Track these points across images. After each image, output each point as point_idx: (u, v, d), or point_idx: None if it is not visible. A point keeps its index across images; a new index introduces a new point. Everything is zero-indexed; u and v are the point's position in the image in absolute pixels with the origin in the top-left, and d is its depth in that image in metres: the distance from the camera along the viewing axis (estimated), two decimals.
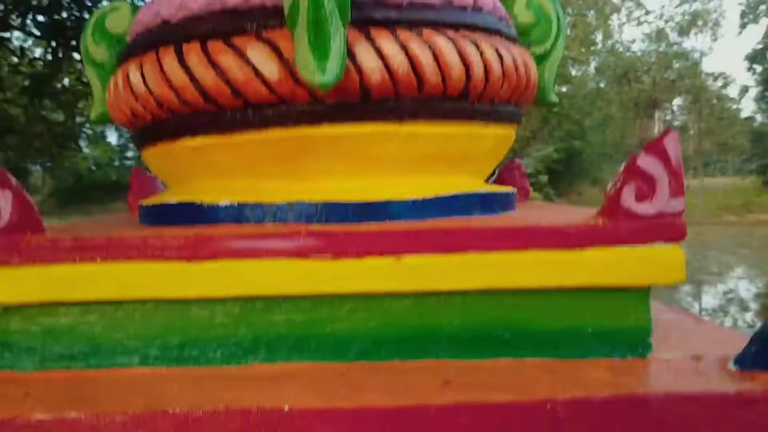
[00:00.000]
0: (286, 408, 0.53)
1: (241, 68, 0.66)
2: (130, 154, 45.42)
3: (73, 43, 6.34)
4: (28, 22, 6.49)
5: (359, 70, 0.66)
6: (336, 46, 0.62)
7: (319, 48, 0.62)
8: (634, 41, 32.42)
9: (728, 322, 11.87)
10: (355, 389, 0.57)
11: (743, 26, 28.85)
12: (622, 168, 0.65)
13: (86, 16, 6.12)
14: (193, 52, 0.67)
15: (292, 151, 0.70)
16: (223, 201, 0.71)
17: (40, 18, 6.31)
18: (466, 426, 0.54)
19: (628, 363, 0.63)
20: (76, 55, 6.43)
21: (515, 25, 0.86)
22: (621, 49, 31.10)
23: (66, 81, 7.02)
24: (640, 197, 0.62)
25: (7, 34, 6.39)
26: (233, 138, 0.70)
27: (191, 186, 0.75)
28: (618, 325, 0.65)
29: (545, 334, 0.64)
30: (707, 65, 35.13)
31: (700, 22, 28.26)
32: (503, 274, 0.63)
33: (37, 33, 6.64)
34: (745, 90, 32.31)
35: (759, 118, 30.19)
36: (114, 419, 0.53)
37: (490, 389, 0.57)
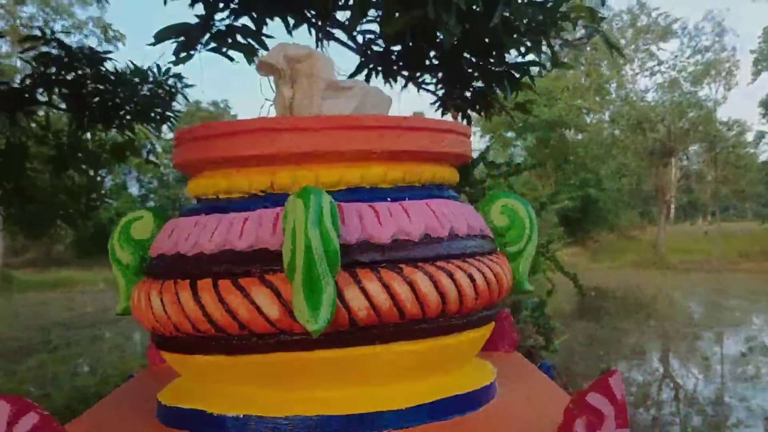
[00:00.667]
0: None
1: (247, 308, 0.77)
2: (150, 204, 46.02)
3: (96, 115, 6.59)
4: (54, 96, 6.77)
5: (348, 307, 0.77)
6: (327, 297, 0.73)
7: (312, 300, 0.72)
8: (647, 91, 32.67)
9: (751, 369, 11.64)
10: None
11: (756, 74, 29.03)
12: (571, 403, 0.74)
13: (109, 87, 6.39)
14: (205, 290, 0.79)
15: (289, 370, 0.81)
16: (231, 413, 0.81)
17: (65, 91, 6.57)
18: None
19: None
20: (99, 126, 6.67)
21: (492, 228, 0.97)
22: (635, 99, 31.28)
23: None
24: (590, 429, 0.72)
25: (33, 108, 6.66)
26: (239, 359, 0.80)
27: (203, 391, 0.86)
28: None
29: None
30: (722, 113, 35.19)
31: (713, 72, 28.49)
32: None
33: (62, 106, 6.92)
34: (761, 136, 32.25)
35: None
36: None
37: None
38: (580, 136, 34.20)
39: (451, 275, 0.82)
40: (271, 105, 1.07)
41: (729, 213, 43.93)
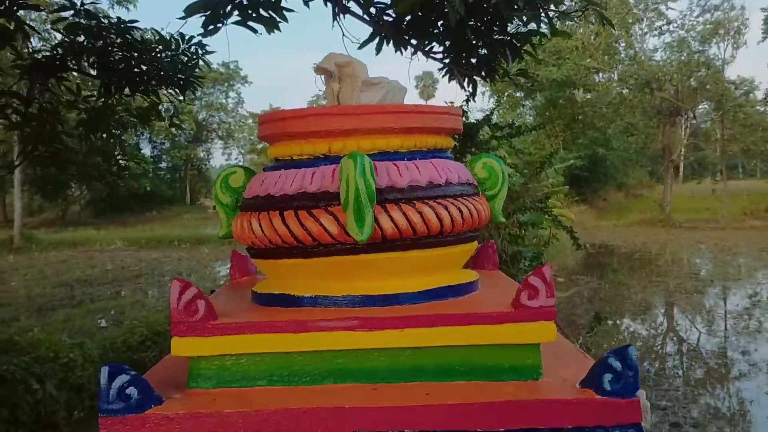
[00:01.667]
0: (346, 406, 1.10)
1: (317, 228, 1.23)
2: (163, 165, 45.85)
3: (123, 82, 7.02)
4: (84, 63, 7.21)
5: (380, 227, 1.23)
6: (368, 220, 1.19)
7: (359, 221, 1.19)
8: (656, 50, 32.50)
9: (753, 324, 12.04)
10: (382, 397, 1.14)
11: (767, 32, 28.84)
12: (522, 283, 1.20)
13: (135, 55, 6.82)
14: (290, 217, 1.25)
15: (343, 267, 1.27)
16: (306, 294, 1.28)
17: (94, 58, 7.01)
18: (437, 414, 1.10)
19: (527, 383, 1.19)
20: (126, 91, 7.11)
21: (476, 178, 1.42)
22: (643, 58, 31.15)
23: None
24: (531, 298, 1.18)
25: (63, 74, 7.10)
26: (311, 261, 1.27)
27: (286, 283, 1.33)
28: (523, 363, 1.20)
29: (483, 367, 1.20)
30: (730, 72, 35.02)
31: (721, 31, 28.35)
32: (457, 337, 1.19)
33: (92, 72, 7.36)
34: None
35: None
36: (257, 412, 1.10)
37: (449, 397, 1.13)
38: (589, 96, 34.25)
39: (446, 208, 1.28)
40: (320, 95, 1.51)
41: (737, 172, 44.07)
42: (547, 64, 31.58)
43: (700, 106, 34.74)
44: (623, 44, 34.11)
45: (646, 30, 32.00)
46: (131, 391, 1.08)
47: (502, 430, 1.09)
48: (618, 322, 12.99)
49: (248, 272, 1.70)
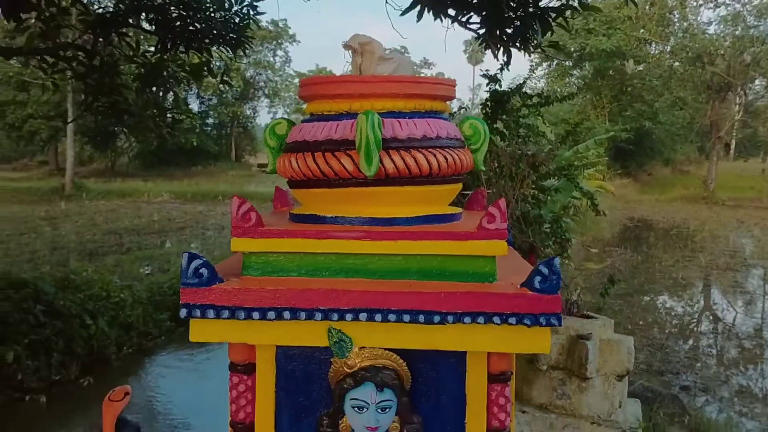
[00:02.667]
0: (352, 289, 1.57)
1: (338, 165, 1.69)
2: (210, 121, 46.41)
3: (179, 39, 7.56)
4: (143, 20, 7.76)
5: (384, 167, 1.68)
6: (375, 161, 1.63)
7: (368, 161, 1.63)
8: (710, 23, 31.80)
9: None
10: (378, 286, 1.60)
11: None
12: (485, 211, 1.64)
13: (191, 13, 7.32)
14: (319, 157, 1.71)
15: (356, 195, 1.73)
16: (330, 215, 1.74)
17: (152, 16, 7.55)
18: (415, 298, 1.56)
19: (484, 284, 1.63)
20: (181, 48, 7.63)
21: (463, 135, 1.85)
22: (697, 31, 30.52)
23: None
24: (489, 222, 1.62)
25: (124, 30, 7.64)
26: (334, 190, 1.73)
27: (314, 206, 1.79)
28: (481, 270, 1.65)
29: (453, 271, 1.65)
30: None
31: None
32: (435, 248, 1.64)
33: (149, 29, 7.89)
34: None
35: None
36: (288, 289, 1.57)
37: (425, 288, 1.58)
38: (639, 68, 33.75)
39: (435, 155, 1.72)
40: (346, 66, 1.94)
41: None
42: (597, 34, 31.16)
43: (753, 83, 33.95)
44: (677, 16, 33.35)
45: (701, 2, 31.25)
46: (203, 270, 1.57)
47: (462, 311, 1.55)
48: (647, 296, 13.25)
49: (287, 203, 2.17)
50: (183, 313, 1.57)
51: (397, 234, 1.64)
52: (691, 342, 10.32)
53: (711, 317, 12.17)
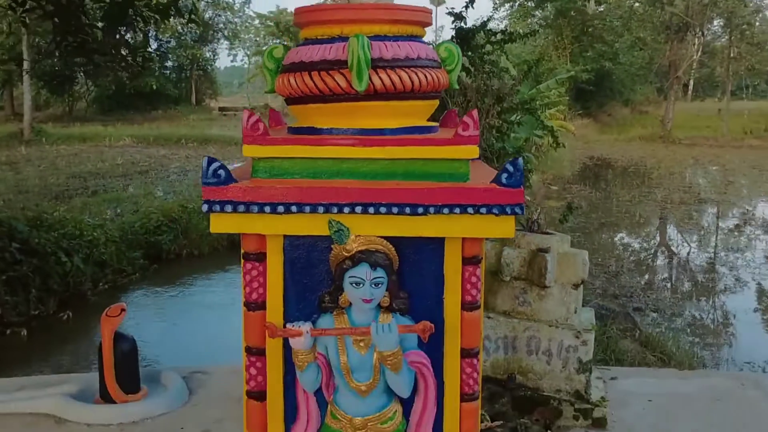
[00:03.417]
0: (347, 186, 1.85)
1: (332, 82, 1.94)
2: (168, 63, 45.26)
3: None
4: None
5: (373, 83, 1.94)
6: (365, 77, 1.90)
7: (359, 78, 1.90)
8: None
9: (743, 241, 12.87)
10: (368, 184, 1.88)
11: None
12: (461, 121, 1.92)
13: None
14: (315, 75, 1.96)
15: (349, 109, 1.99)
16: (325, 126, 2.01)
17: None
18: (400, 193, 1.85)
19: (459, 182, 1.93)
20: None
21: (440, 57, 2.12)
22: None
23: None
24: (464, 129, 1.90)
25: None
26: (327, 105, 1.99)
27: (311, 120, 2.05)
28: (457, 171, 1.94)
29: (433, 172, 1.93)
30: None
31: None
32: (417, 153, 1.92)
33: None
34: None
35: None
36: (294, 186, 1.85)
37: (409, 185, 1.87)
38: (600, 8, 33.92)
39: (416, 74, 1.99)
40: None
41: (747, 93, 44.07)
42: None
43: (711, 24, 34.38)
44: None
45: None
46: (221, 172, 1.84)
47: (442, 203, 1.85)
48: (605, 229, 13.80)
49: (281, 122, 2.42)
50: (204, 208, 1.84)
51: (385, 141, 1.92)
52: (644, 270, 10.91)
53: (665, 250, 12.81)
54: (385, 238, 1.90)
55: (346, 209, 1.85)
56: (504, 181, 1.85)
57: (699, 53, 33.83)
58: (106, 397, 3.87)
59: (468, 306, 1.97)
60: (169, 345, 7.73)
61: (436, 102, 2.16)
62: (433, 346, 1.97)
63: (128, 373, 3.93)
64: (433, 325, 1.87)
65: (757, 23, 33.22)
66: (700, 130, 32.11)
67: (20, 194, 15.44)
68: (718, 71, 40.31)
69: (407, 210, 1.85)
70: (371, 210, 1.85)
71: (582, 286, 3.79)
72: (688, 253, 12.29)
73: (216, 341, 7.26)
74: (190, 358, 6.52)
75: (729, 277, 10.28)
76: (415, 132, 2.03)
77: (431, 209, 1.85)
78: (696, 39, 32.42)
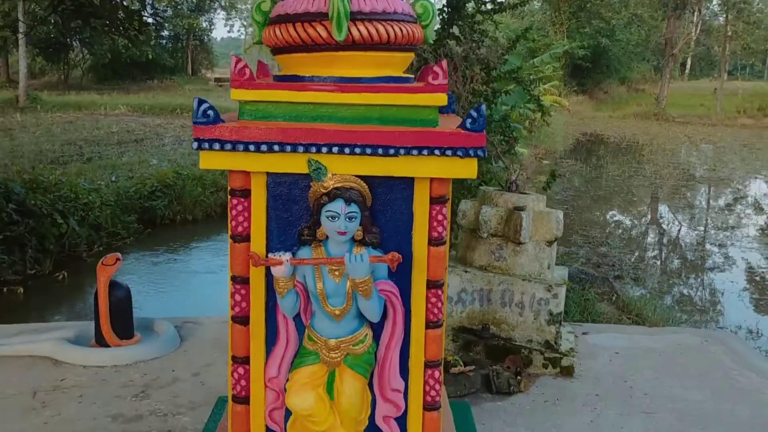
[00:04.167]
0: (324, 128, 2.03)
1: (314, 33, 2.11)
2: (165, 33, 44.95)
3: None
4: None
5: (351, 34, 2.10)
6: (344, 29, 2.06)
7: (339, 29, 2.06)
8: None
9: (732, 219, 13.09)
10: (345, 126, 2.06)
11: None
12: (431, 71, 2.09)
13: None
14: (299, 26, 2.12)
15: (330, 58, 2.16)
16: (307, 74, 2.17)
17: None
18: (375, 135, 2.03)
19: (429, 127, 2.10)
20: None
21: (416, 13, 2.28)
22: None
23: None
24: (434, 79, 2.07)
25: None
26: (310, 54, 2.15)
27: (295, 69, 2.22)
28: (427, 117, 2.11)
29: (406, 118, 2.11)
30: None
31: None
32: (391, 99, 2.09)
33: None
34: None
35: None
36: (276, 127, 2.03)
37: (384, 129, 2.05)
38: None
39: (393, 27, 2.16)
40: None
41: (744, 72, 44.10)
42: None
43: (710, 2, 34.29)
44: None
45: None
46: (210, 112, 2.01)
47: (411, 145, 2.03)
48: (592, 201, 14.01)
49: (268, 74, 2.59)
50: (195, 145, 2.02)
51: (362, 88, 2.09)
52: (629, 242, 11.13)
53: (652, 224, 13.03)
54: (360, 177, 2.08)
55: (324, 149, 2.02)
56: (468, 126, 2.02)
57: (697, 31, 33.83)
58: (101, 342, 4.07)
59: (434, 241, 2.16)
60: (161, 304, 7.93)
61: (412, 55, 2.32)
62: (402, 278, 2.16)
63: (122, 319, 4.12)
64: (400, 255, 2.06)
65: (756, 2, 33.18)
66: (694, 108, 32.25)
67: (15, 159, 15.54)
68: (715, 51, 40.33)
69: (380, 151, 2.03)
70: (347, 150, 2.03)
71: (555, 243, 3.98)
72: (671, 227, 12.51)
73: (207, 301, 7.47)
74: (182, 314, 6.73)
75: (710, 249, 10.53)
76: (390, 81, 2.20)
77: (401, 151, 2.03)
78: (693, 17, 32.41)
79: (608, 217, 13.26)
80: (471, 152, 2.03)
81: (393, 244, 2.13)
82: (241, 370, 2.24)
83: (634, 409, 3.37)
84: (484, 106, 2.03)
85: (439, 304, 2.19)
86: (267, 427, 2.27)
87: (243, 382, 2.24)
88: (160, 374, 3.75)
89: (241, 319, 2.21)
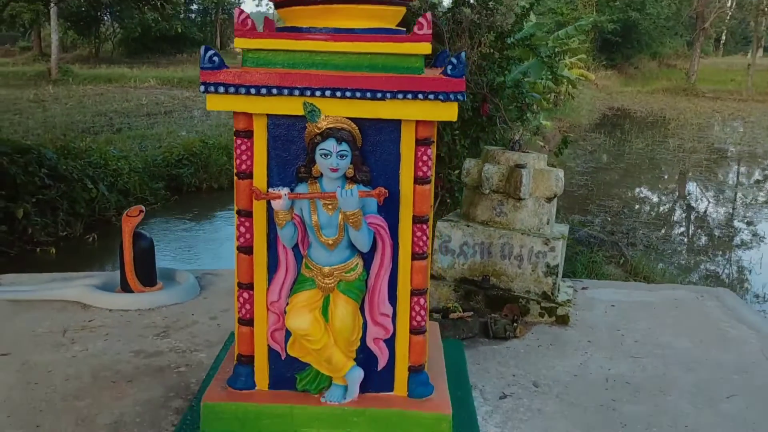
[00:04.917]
0: (320, 73, 2.23)
1: None
2: (194, 7, 45.22)
3: None
4: None
5: None
6: None
7: None
8: None
9: (762, 196, 13.05)
10: (337, 72, 2.26)
11: None
12: (416, 21, 2.27)
13: None
14: None
15: (326, 11, 2.35)
16: (304, 26, 2.37)
17: None
18: (365, 80, 2.23)
19: (415, 75, 2.30)
20: None
21: None
22: None
23: None
24: (419, 29, 2.26)
25: None
26: (309, 7, 2.36)
27: (294, 21, 2.42)
28: (413, 65, 2.30)
29: (395, 66, 2.30)
30: None
31: None
32: (381, 48, 2.29)
33: None
34: None
35: None
36: (276, 72, 2.24)
37: (373, 74, 2.25)
38: None
39: None
40: None
41: None
42: None
43: None
44: None
45: None
46: (215, 58, 2.23)
47: (398, 90, 2.22)
48: (613, 173, 14.04)
49: (272, 29, 2.79)
50: (201, 89, 2.24)
51: (354, 38, 2.29)
52: (647, 213, 11.20)
53: (674, 197, 13.04)
54: (351, 119, 2.29)
55: (318, 93, 2.24)
56: (449, 72, 2.22)
57: (730, 5, 33.17)
58: (126, 289, 4.35)
59: (420, 180, 2.37)
60: (184, 264, 8.25)
61: (403, 9, 2.51)
62: (391, 213, 2.37)
63: (146, 267, 4.39)
64: (387, 190, 2.27)
65: None
66: (725, 83, 31.76)
67: (48, 129, 16.00)
68: (751, 26, 39.49)
69: (368, 95, 2.23)
70: (339, 94, 2.24)
71: (555, 200, 4.15)
72: (693, 199, 12.53)
73: (228, 259, 7.75)
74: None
75: (713, 214, 10.60)
76: (381, 33, 2.39)
77: (388, 95, 2.23)
78: None
79: (627, 188, 13.31)
80: (452, 96, 2.22)
81: (382, 182, 2.34)
82: (246, 294, 2.48)
83: (623, 354, 3.56)
84: (464, 54, 2.22)
85: (424, 238, 2.40)
86: (269, 347, 2.52)
87: (248, 306, 2.49)
88: (180, 317, 4.03)
89: (246, 249, 2.44)
